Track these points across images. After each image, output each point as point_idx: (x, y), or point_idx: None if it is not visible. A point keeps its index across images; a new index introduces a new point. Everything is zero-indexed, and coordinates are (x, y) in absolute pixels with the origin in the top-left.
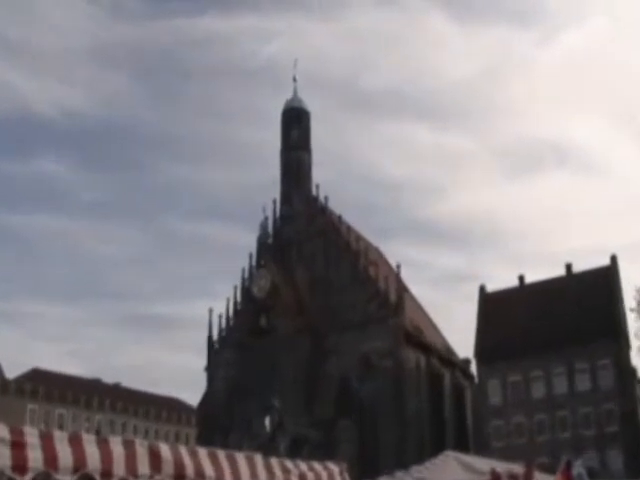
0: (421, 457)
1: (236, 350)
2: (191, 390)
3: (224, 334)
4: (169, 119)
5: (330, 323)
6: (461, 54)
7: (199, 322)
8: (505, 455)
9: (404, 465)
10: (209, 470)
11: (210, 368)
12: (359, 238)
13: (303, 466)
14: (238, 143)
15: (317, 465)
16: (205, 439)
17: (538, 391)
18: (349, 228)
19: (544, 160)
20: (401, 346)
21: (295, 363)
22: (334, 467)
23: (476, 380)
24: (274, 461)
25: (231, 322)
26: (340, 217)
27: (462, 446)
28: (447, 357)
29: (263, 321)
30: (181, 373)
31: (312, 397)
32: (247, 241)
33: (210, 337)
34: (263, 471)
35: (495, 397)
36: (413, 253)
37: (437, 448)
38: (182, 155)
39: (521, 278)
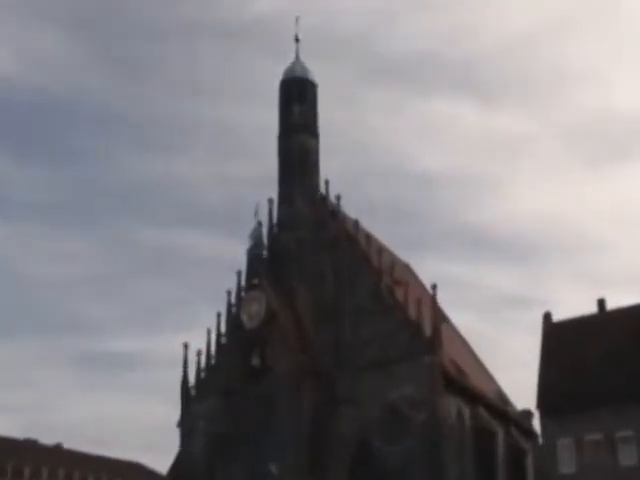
0: None
1: (219, 398)
2: (159, 451)
3: (204, 377)
4: (132, 93)
5: (343, 362)
6: (516, 3)
7: (171, 361)
8: None
9: None
10: None
11: (185, 422)
12: (382, 250)
13: None
14: (223, 126)
15: None
16: None
17: (627, 456)
18: (369, 237)
19: (634, 145)
20: (439, 393)
21: (297, 416)
22: None
23: (540, 440)
24: None
25: (213, 361)
26: (357, 223)
27: None
28: (500, 408)
29: (255, 360)
30: (145, 429)
31: (319, 461)
32: (235, 254)
33: (185, 381)
34: None
35: (567, 463)
36: (454, 270)
37: None
38: (149, 142)
39: (601, 303)
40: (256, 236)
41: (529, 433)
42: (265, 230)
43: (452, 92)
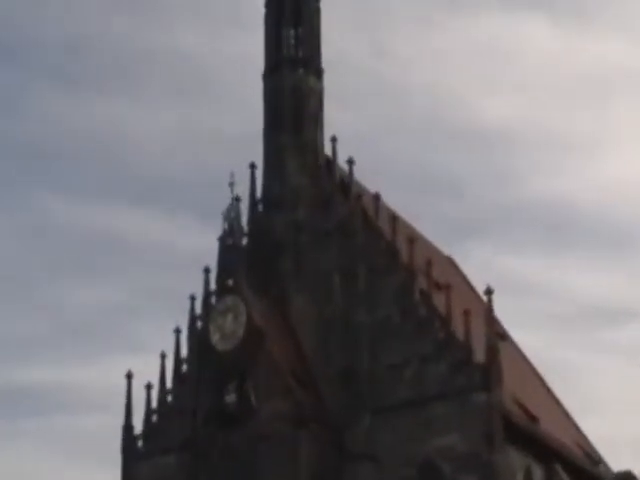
0: None
1: (178, 454)
2: None
3: (155, 422)
4: (53, 14)
5: (358, 402)
6: None
7: (106, 399)
8: None
9: None
10: None
11: None
12: (415, 238)
13: None
14: (182, 59)
15: None
16: None
17: None
18: (395, 219)
19: None
20: (497, 446)
21: (292, 478)
22: None
23: None
24: None
25: (169, 398)
26: (378, 198)
27: None
28: (587, 468)
29: (231, 397)
30: None
31: None
32: (201, 243)
33: (128, 428)
34: None
35: None
36: (520, 267)
37: None
38: (78, 79)
39: None
40: (232, 218)
41: None
42: (245, 209)
43: (517, 4)
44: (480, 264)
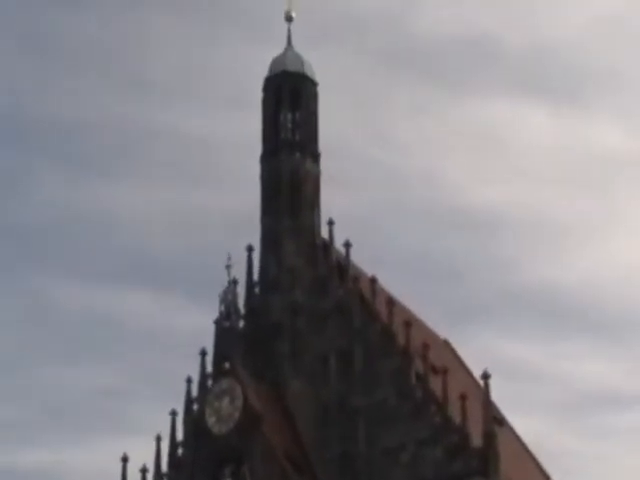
0: None
1: None
2: None
3: None
4: (59, 91)
5: None
6: None
7: None
8: None
9: None
10: None
11: None
12: (412, 321)
13: None
14: (181, 140)
15: None
16: None
17: None
18: (392, 303)
19: None
20: None
21: None
22: None
23: None
24: None
25: None
26: (375, 281)
27: None
28: None
29: None
30: None
31: None
32: (198, 326)
33: None
34: None
35: None
36: (517, 351)
37: None
38: (77, 162)
39: None
40: (228, 300)
41: None
42: (242, 292)
43: (512, 92)
44: (477, 348)
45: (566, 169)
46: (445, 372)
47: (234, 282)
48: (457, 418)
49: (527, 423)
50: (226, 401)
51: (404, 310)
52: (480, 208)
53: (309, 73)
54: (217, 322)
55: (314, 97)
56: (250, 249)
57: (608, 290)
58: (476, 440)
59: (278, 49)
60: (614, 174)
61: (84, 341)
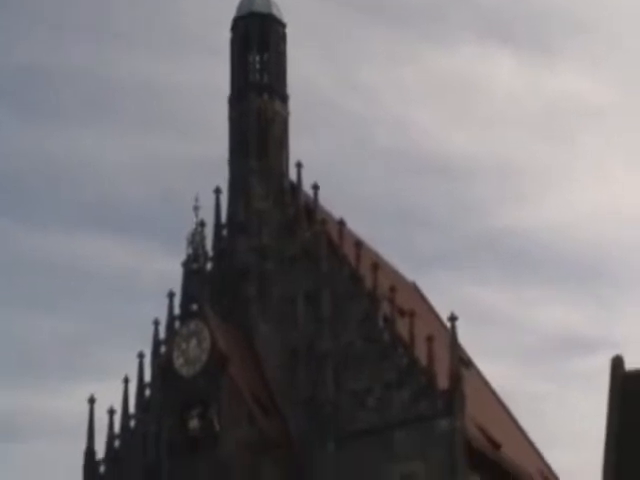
0: None
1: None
2: None
3: (118, 447)
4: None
5: (322, 429)
6: None
7: (69, 425)
8: None
9: None
10: None
11: None
12: (379, 266)
13: None
14: (147, 84)
15: None
16: None
17: None
18: (360, 245)
19: None
20: (460, 472)
21: None
22: None
23: None
24: None
25: (132, 424)
26: (343, 224)
27: None
28: None
29: (194, 423)
30: None
31: None
32: (165, 268)
33: (90, 452)
34: None
35: None
36: (483, 296)
37: None
38: (34, 107)
39: None
40: (196, 242)
41: None
42: (210, 233)
43: (481, 39)
44: (444, 292)
45: (532, 115)
46: (412, 315)
47: (202, 224)
48: (424, 360)
49: (493, 367)
50: (194, 343)
51: (372, 253)
52: (447, 154)
53: (277, 14)
54: (185, 264)
55: (283, 38)
56: (218, 191)
57: (573, 236)
58: (442, 382)
59: None
60: (579, 121)
61: (51, 286)
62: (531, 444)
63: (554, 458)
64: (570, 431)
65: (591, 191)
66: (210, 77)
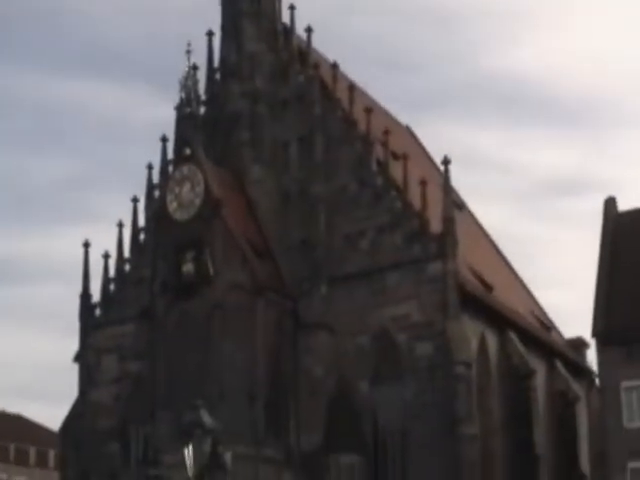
0: None
1: (135, 322)
2: (46, 400)
3: (113, 290)
4: None
5: (314, 272)
6: None
7: (64, 269)
8: None
9: None
10: None
11: (85, 355)
12: (371, 109)
13: None
14: None
15: None
16: None
17: None
18: (353, 88)
19: None
20: (452, 314)
21: (248, 348)
22: None
23: (597, 380)
24: None
25: (127, 268)
26: (336, 67)
27: None
28: (541, 336)
29: (188, 266)
30: (27, 368)
31: (280, 412)
32: (157, 112)
33: (86, 296)
34: None
35: (637, 413)
36: (476, 139)
37: None
38: None
39: None
40: (188, 86)
41: (581, 371)
42: (202, 78)
43: None
44: (438, 136)
45: None
46: (406, 158)
47: (194, 68)
48: (417, 204)
49: (486, 210)
50: (187, 187)
51: (365, 97)
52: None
53: None
54: (178, 108)
55: None
56: (210, 34)
57: (563, 78)
58: (435, 225)
59: None
60: None
61: (46, 132)
62: (523, 285)
63: (546, 299)
64: (562, 272)
65: (583, 34)
66: None
